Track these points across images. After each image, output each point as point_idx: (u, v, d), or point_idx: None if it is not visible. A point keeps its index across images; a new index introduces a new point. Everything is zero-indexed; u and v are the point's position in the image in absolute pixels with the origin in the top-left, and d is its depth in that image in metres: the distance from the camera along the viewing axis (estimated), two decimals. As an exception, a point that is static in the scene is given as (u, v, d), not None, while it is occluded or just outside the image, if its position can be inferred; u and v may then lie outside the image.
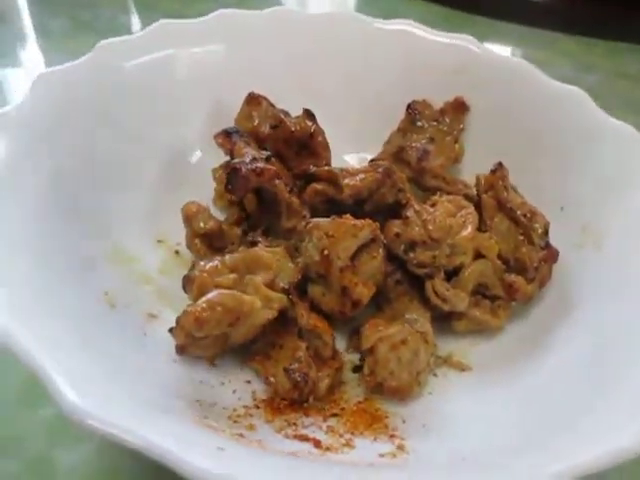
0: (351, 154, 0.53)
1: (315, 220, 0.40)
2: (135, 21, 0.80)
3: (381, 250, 0.39)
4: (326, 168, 0.44)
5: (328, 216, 0.40)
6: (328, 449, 0.31)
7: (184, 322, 0.33)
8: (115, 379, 0.27)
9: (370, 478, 0.26)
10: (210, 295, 0.33)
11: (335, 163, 0.48)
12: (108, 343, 0.31)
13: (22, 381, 0.38)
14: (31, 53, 0.74)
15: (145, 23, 0.76)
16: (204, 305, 0.33)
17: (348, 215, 0.40)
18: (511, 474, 0.27)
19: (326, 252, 0.38)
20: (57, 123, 0.38)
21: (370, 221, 0.39)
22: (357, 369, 0.39)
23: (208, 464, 0.22)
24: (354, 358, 0.39)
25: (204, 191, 0.47)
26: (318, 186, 0.43)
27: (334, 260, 0.38)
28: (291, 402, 0.35)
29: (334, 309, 0.39)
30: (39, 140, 0.36)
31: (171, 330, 0.34)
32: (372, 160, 0.49)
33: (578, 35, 0.76)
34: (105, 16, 0.82)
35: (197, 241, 0.42)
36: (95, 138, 0.41)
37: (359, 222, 0.38)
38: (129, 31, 0.78)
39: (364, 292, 0.38)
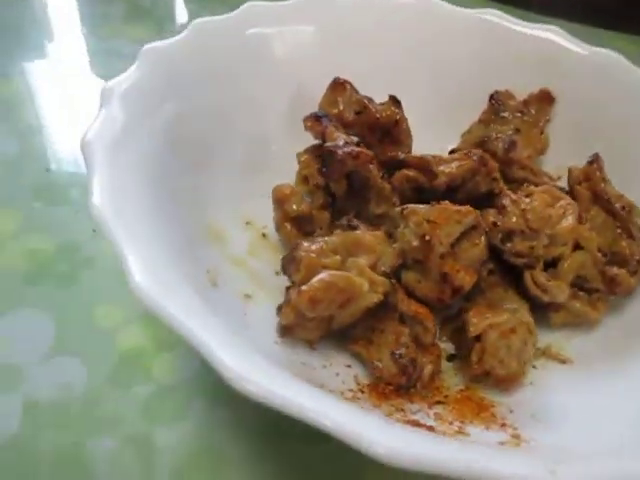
0: (428, 144, 0.52)
1: (412, 206, 0.39)
2: (193, 7, 0.80)
3: (483, 238, 0.38)
4: (417, 155, 0.44)
5: (417, 203, 0.40)
6: (444, 435, 0.31)
7: (297, 301, 0.32)
8: (251, 349, 0.27)
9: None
10: (322, 275, 0.33)
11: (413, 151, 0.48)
12: (221, 320, 0.31)
13: (115, 360, 0.38)
14: (88, 39, 0.73)
15: (202, 9, 0.77)
16: (317, 285, 0.32)
17: (447, 202, 0.39)
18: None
19: (427, 237, 0.37)
20: (162, 98, 0.37)
21: (471, 208, 0.38)
22: (452, 358, 0.38)
23: (383, 437, 0.21)
24: (447, 347, 0.39)
25: (285, 175, 0.46)
26: (409, 173, 0.43)
27: (435, 246, 0.37)
28: (396, 388, 0.34)
29: (430, 296, 0.38)
30: (147, 112, 0.35)
31: (279, 310, 0.34)
32: (452, 151, 0.48)
33: (630, 33, 0.75)
34: (163, 1, 0.82)
35: (287, 224, 0.42)
36: (191, 115, 0.40)
37: (462, 208, 0.38)
38: (189, 17, 0.78)
39: (466, 279, 0.37)
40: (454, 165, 0.42)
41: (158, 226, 0.31)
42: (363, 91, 0.48)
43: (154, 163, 0.34)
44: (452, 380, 0.37)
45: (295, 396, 0.22)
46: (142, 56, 0.37)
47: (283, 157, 0.47)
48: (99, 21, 0.76)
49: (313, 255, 0.34)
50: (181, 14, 0.81)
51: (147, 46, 0.38)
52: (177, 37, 0.41)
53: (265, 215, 0.43)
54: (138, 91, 0.36)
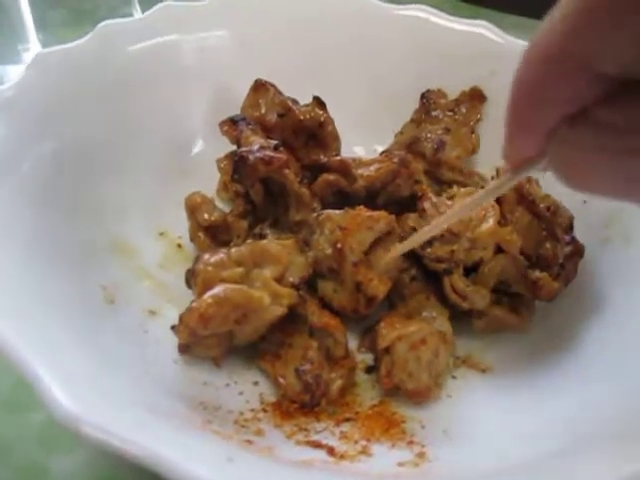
0: (360, 145, 0.50)
1: (327, 211, 0.37)
2: (138, 11, 0.78)
3: (397, 242, 0.36)
4: (338, 158, 0.42)
5: (339, 209, 0.38)
6: (343, 457, 0.29)
7: (188, 319, 0.31)
8: (114, 380, 0.25)
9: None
10: (216, 290, 0.31)
11: (344, 154, 0.46)
12: (106, 341, 0.29)
13: (11, 384, 0.36)
14: (30, 43, 0.72)
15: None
16: (209, 301, 0.30)
17: (362, 207, 0.37)
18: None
19: (339, 245, 0.35)
20: (55, 106, 0.35)
21: (386, 213, 0.37)
22: (370, 370, 0.36)
23: (216, 477, 0.19)
24: (366, 358, 0.37)
25: (208, 182, 0.45)
26: (330, 177, 0.41)
27: (347, 254, 0.35)
28: (302, 405, 0.32)
29: (346, 307, 0.36)
30: (36, 123, 0.34)
31: (173, 328, 0.32)
32: (384, 152, 0.47)
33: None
34: (107, 6, 0.80)
35: (201, 234, 0.40)
36: (93, 124, 0.39)
37: (374, 214, 0.36)
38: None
39: (380, 288, 0.35)
40: (373, 168, 0.40)
41: (34, 245, 0.29)
42: (293, 93, 0.46)
43: (40, 182, 0.32)
44: (369, 393, 0.35)
45: (129, 436, 0.20)
46: (34, 63, 0.35)
47: (204, 164, 0.45)
48: (40, 25, 0.75)
49: (210, 268, 0.32)
50: (137, 15, 0.79)
51: (41, 51, 0.36)
52: (77, 42, 0.39)
53: (182, 225, 0.41)
54: (26, 101, 0.34)
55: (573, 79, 0.19)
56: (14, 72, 0.65)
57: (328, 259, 0.36)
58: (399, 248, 0.36)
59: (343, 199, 0.41)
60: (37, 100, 0.35)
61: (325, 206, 0.40)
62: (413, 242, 0.35)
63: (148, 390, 0.27)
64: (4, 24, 0.74)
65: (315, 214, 0.38)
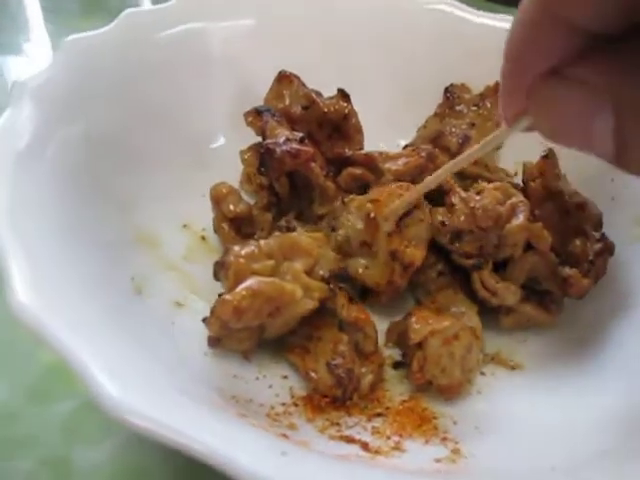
0: (384, 140, 0.50)
1: (353, 195, 0.38)
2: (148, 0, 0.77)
3: (427, 211, 0.37)
4: (364, 152, 0.42)
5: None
6: (377, 452, 0.29)
7: (220, 311, 0.30)
8: (152, 368, 0.24)
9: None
10: (249, 282, 0.31)
11: (367, 148, 0.46)
12: (137, 331, 0.28)
13: (34, 374, 0.35)
14: (41, 33, 0.71)
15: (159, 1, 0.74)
16: (243, 293, 0.30)
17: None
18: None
19: (372, 215, 0.35)
20: (81, 94, 0.35)
21: (412, 184, 0.37)
22: (398, 365, 0.36)
23: (276, 472, 0.19)
24: (393, 354, 0.37)
25: (231, 174, 0.44)
26: (356, 171, 0.41)
27: (381, 223, 0.35)
28: (333, 400, 0.32)
29: (380, 281, 0.36)
30: (64, 111, 0.33)
31: (205, 320, 0.32)
32: (407, 146, 0.47)
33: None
34: (116, -4, 0.79)
35: (225, 225, 0.40)
36: (118, 113, 0.38)
37: (403, 183, 0.37)
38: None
39: (416, 254, 0.35)
40: (401, 162, 0.40)
41: (67, 233, 0.28)
42: (316, 86, 0.45)
43: (69, 168, 0.31)
44: (397, 389, 0.35)
45: (176, 426, 0.20)
46: (62, 49, 0.35)
47: (226, 155, 0.44)
48: (52, 15, 0.74)
49: (242, 260, 0.32)
50: (148, 3, 0.78)
51: (69, 38, 0.36)
52: (103, 29, 0.38)
53: (205, 216, 0.41)
54: (54, 88, 0.33)
55: (548, 33, 0.21)
56: (20, 63, 0.65)
57: (359, 234, 0.36)
58: (411, 192, 0.36)
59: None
60: (64, 87, 0.34)
61: (349, 200, 0.40)
62: (427, 184, 0.35)
63: (184, 380, 0.27)
64: (14, 13, 0.74)
65: (339, 200, 0.38)
